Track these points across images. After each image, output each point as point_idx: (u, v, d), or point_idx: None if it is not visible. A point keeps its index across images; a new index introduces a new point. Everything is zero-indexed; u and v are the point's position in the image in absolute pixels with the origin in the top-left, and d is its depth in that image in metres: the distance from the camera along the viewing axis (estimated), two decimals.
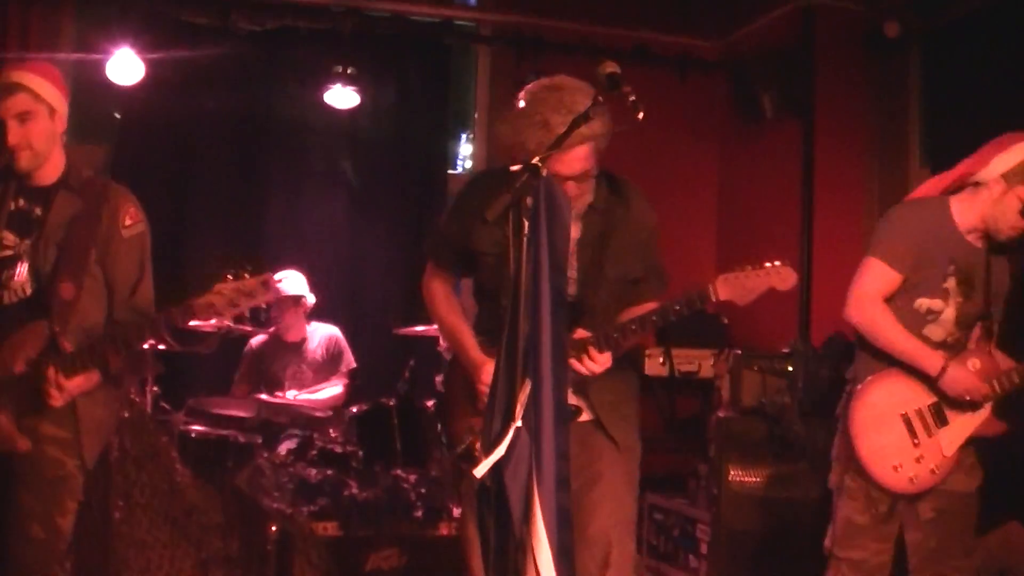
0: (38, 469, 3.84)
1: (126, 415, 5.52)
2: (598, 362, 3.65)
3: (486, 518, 2.94)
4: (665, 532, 6.70)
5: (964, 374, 4.32)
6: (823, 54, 7.47)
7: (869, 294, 4.42)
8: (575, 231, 3.78)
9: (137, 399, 5.71)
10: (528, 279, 2.85)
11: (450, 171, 8.43)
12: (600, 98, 3.27)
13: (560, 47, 7.86)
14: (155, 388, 6.20)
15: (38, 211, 3.92)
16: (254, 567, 5.56)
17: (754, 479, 6.12)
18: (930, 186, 4.65)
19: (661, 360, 7.23)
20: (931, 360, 4.34)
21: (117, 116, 7.59)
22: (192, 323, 4.03)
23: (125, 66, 7.02)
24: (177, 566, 5.52)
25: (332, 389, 7.26)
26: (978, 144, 5.92)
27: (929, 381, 4.35)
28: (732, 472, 6.15)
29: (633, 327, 3.69)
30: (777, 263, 3.64)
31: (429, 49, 8.16)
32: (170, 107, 7.53)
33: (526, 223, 2.86)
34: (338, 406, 7.17)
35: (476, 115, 8.52)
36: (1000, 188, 4.34)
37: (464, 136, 8.75)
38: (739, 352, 6.60)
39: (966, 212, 4.43)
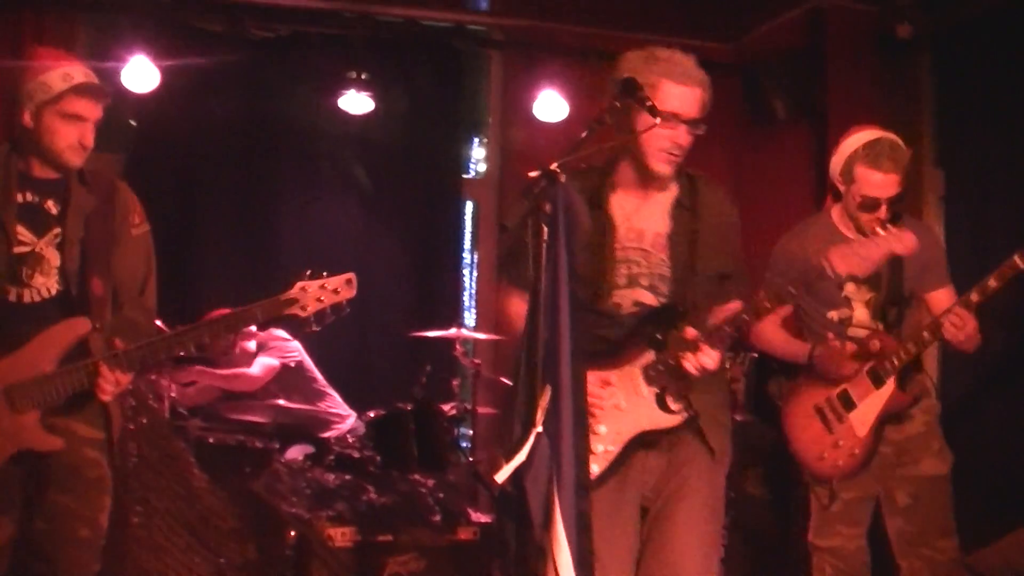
0: (79, 471, 3.85)
1: (144, 421, 5.55)
2: (712, 359, 3.54)
3: (506, 524, 2.95)
4: None
5: (827, 353, 4.57)
6: (835, 56, 7.45)
7: (761, 325, 4.67)
8: (665, 226, 3.76)
9: (154, 405, 5.72)
10: (547, 284, 2.87)
11: (463, 175, 8.46)
12: (617, 103, 3.29)
13: (571, 51, 7.87)
14: (172, 394, 6.21)
15: (50, 205, 3.86)
16: (272, 573, 5.57)
17: (771, 482, 6.11)
18: (828, 201, 4.88)
19: None
20: (801, 350, 4.68)
21: (133, 124, 7.61)
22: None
23: (140, 74, 7.02)
24: (195, 572, 5.54)
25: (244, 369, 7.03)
26: (992, 144, 5.94)
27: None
28: (749, 475, 6.15)
29: (746, 316, 3.62)
30: (894, 228, 3.61)
31: (441, 54, 8.16)
32: (183, 114, 7.55)
33: (545, 229, 2.87)
34: (245, 389, 6.99)
35: (489, 119, 8.54)
36: (843, 188, 4.56)
37: (476, 140, 8.77)
38: (755, 355, 6.59)
39: (842, 216, 4.66)
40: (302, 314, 3.78)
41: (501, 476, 2.82)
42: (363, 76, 7.46)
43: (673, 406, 3.63)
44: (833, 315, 4.65)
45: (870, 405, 4.53)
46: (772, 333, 4.79)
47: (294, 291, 3.77)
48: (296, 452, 6.66)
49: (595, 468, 3.45)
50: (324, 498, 5.63)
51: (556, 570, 2.82)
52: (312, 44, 7.68)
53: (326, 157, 7.96)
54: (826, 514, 4.66)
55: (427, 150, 8.12)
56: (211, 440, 6.26)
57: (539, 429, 2.81)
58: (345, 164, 7.99)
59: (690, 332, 3.56)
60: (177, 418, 6.27)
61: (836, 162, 4.56)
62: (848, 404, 4.56)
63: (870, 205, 4.47)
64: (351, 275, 3.83)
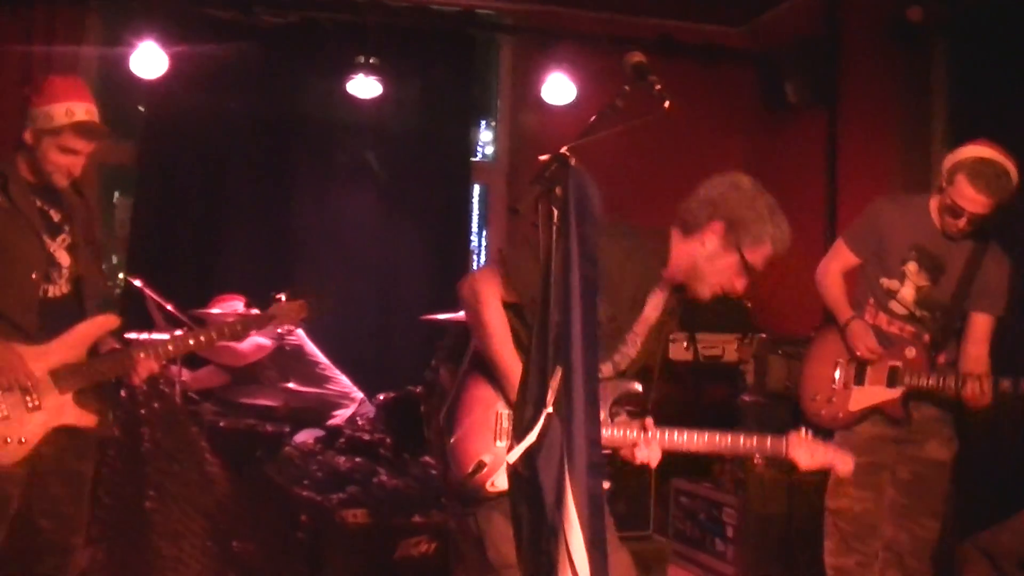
0: (92, 444, 4.39)
1: (156, 406, 5.58)
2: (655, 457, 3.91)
3: (519, 505, 2.96)
4: (692, 516, 6.71)
5: (863, 331, 4.83)
6: (848, 41, 7.45)
7: (829, 267, 5.05)
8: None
9: (166, 390, 5.74)
10: (558, 267, 2.87)
11: (472, 159, 8.48)
12: (628, 88, 3.28)
13: (583, 36, 7.86)
14: (183, 379, 6.23)
15: (53, 213, 4.20)
16: (285, 555, 5.60)
17: (780, 463, 6.12)
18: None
19: (685, 345, 7.22)
20: (844, 313, 4.92)
21: (141, 109, 7.64)
22: None
23: (149, 59, 7.06)
24: (209, 555, 5.57)
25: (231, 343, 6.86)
26: (1005, 129, 5.96)
27: None
28: (758, 456, 6.15)
29: None
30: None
31: (452, 39, 8.18)
32: (194, 100, 7.57)
33: (556, 212, 2.87)
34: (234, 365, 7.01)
35: (498, 103, 8.56)
36: (944, 186, 4.67)
37: (485, 124, 8.78)
38: (764, 336, 6.60)
39: (937, 209, 4.79)
40: (279, 327, 4.79)
41: (512, 456, 2.82)
42: (371, 61, 7.47)
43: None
44: (883, 282, 4.86)
45: (872, 393, 4.80)
46: (832, 280, 5.02)
47: (272, 309, 4.61)
48: (306, 436, 6.67)
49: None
50: (336, 481, 5.66)
51: (569, 551, 2.83)
52: (322, 30, 7.69)
53: (338, 143, 7.99)
54: (835, 475, 4.83)
55: (438, 134, 8.15)
56: (223, 425, 6.28)
57: (549, 410, 2.81)
58: (356, 149, 8.02)
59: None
60: (189, 403, 6.28)
61: (948, 160, 4.68)
62: (860, 378, 4.84)
63: (955, 212, 4.61)
64: (303, 301, 4.67)
